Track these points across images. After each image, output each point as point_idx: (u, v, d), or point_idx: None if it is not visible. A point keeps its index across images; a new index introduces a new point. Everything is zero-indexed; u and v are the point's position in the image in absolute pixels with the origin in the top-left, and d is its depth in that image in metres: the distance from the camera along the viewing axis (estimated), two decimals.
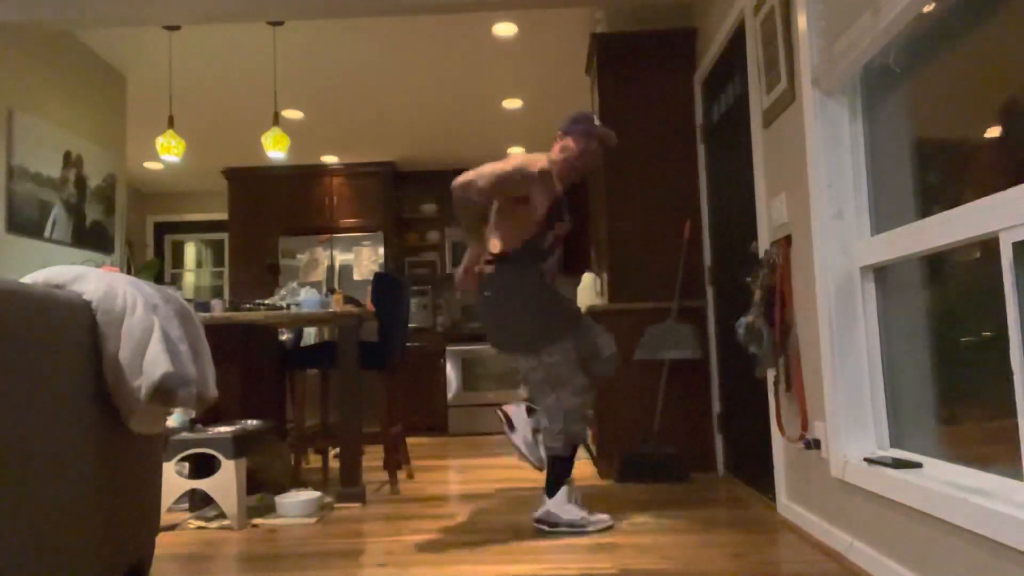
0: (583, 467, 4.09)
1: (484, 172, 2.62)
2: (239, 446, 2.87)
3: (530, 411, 2.78)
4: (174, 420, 3.07)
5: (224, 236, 7.47)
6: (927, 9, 1.79)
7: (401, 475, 4.02)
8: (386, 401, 3.86)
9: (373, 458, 4.66)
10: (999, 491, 1.60)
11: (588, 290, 4.38)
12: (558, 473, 2.69)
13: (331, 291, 3.99)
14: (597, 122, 2.77)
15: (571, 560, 2.27)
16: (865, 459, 2.10)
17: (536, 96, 5.40)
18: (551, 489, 2.67)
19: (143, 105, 5.22)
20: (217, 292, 7.70)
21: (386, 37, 4.40)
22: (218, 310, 3.38)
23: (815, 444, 2.41)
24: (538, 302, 2.71)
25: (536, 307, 2.70)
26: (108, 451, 1.78)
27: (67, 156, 4.17)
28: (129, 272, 5.64)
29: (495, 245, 2.73)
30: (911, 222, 1.90)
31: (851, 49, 2.09)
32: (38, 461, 1.48)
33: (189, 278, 7.86)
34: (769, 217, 2.83)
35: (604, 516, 2.69)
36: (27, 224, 3.82)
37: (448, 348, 6.33)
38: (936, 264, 1.93)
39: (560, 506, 2.64)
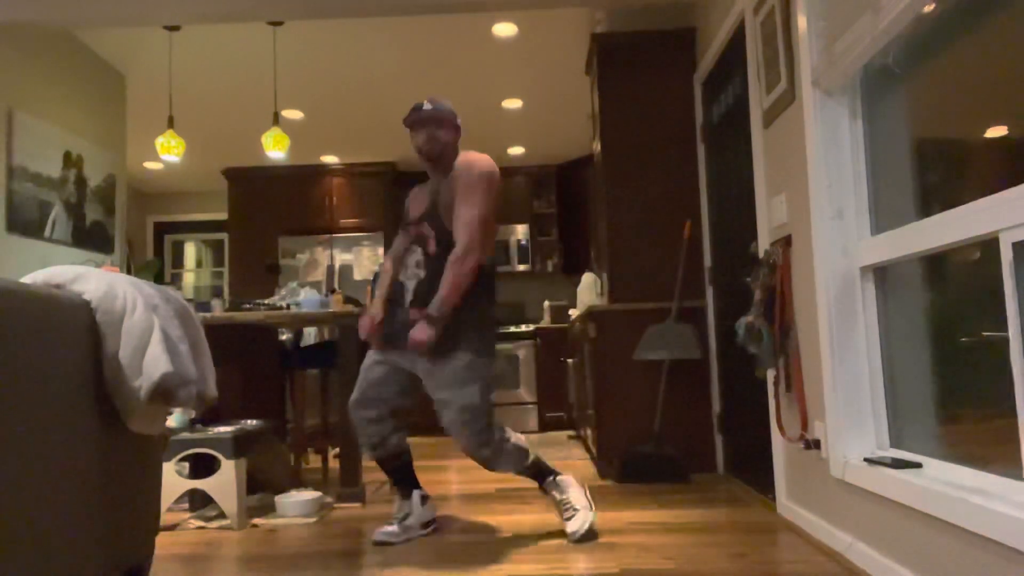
0: (584, 467, 4.10)
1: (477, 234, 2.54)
2: (239, 446, 2.87)
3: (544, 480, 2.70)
4: (174, 420, 3.07)
5: (224, 236, 7.48)
6: (927, 9, 1.79)
7: None
8: None
9: None
10: (999, 491, 1.60)
11: (588, 290, 4.38)
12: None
13: (331, 291, 3.99)
14: (426, 105, 2.59)
15: (571, 560, 2.27)
16: (865, 459, 2.11)
17: (536, 96, 5.40)
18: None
19: (143, 105, 5.22)
20: (217, 292, 7.70)
21: (386, 37, 4.40)
22: (218, 310, 3.38)
23: (815, 444, 2.41)
24: None
25: None
26: (108, 451, 1.78)
27: (67, 156, 4.17)
28: (129, 272, 5.64)
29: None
30: (911, 222, 1.90)
31: (851, 49, 2.09)
32: (38, 461, 1.48)
33: (189, 278, 7.85)
34: (769, 217, 2.83)
35: (379, 533, 2.58)
36: (27, 224, 3.82)
37: None
38: (936, 264, 1.93)
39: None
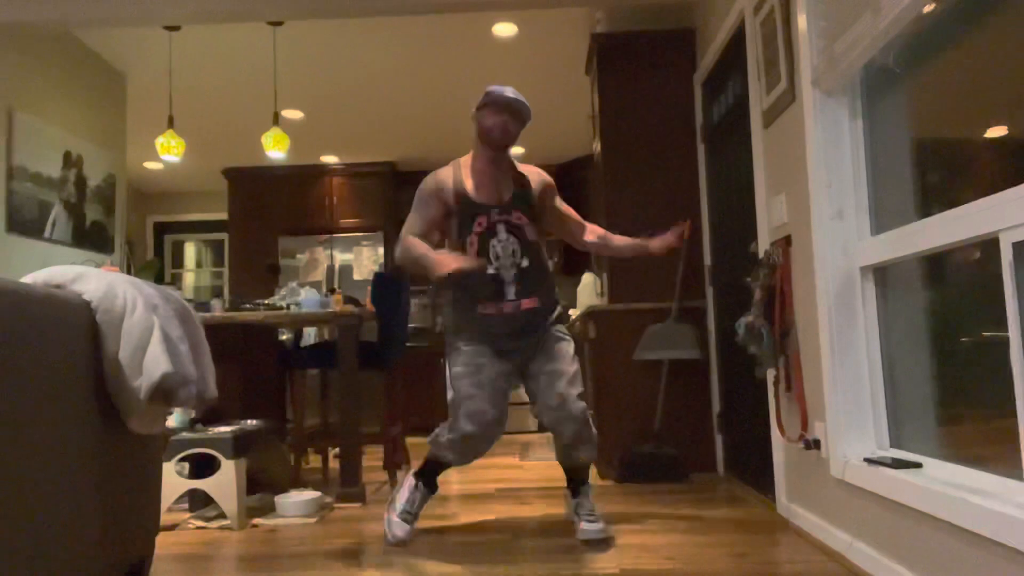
0: None
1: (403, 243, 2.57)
2: (239, 446, 2.87)
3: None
4: (174, 420, 3.07)
5: (224, 236, 7.48)
6: (927, 9, 1.79)
7: (401, 475, 4.02)
8: (386, 401, 3.87)
9: (373, 458, 4.66)
10: (999, 491, 1.60)
11: (588, 290, 4.38)
12: (421, 468, 2.63)
13: (331, 291, 3.99)
14: (495, 88, 2.47)
15: (571, 560, 2.27)
16: (865, 459, 2.10)
17: (536, 96, 5.39)
18: (416, 474, 2.65)
19: (143, 105, 5.22)
20: (217, 292, 7.70)
21: (386, 37, 4.40)
22: (218, 310, 3.38)
23: (815, 444, 2.41)
24: (449, 311, 2.64)
25: (446, 317, 2.65)
26: (108, 451, 1.78)
27: (67, 156, 4.17)
28: (129, 272, 5.63)
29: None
30: (911, 222, 1.90)
31: (851, 49, 2.09)
32: (38, 461, 1.48)
33: (189, 278, 7.85)
34: (769, 217, 2.83)
35: (401, 533, 2.52)
36: (27, 224, 3.82)
37: None
38: (936, 264, 1.93)
39: (399, 493, 2.62)
